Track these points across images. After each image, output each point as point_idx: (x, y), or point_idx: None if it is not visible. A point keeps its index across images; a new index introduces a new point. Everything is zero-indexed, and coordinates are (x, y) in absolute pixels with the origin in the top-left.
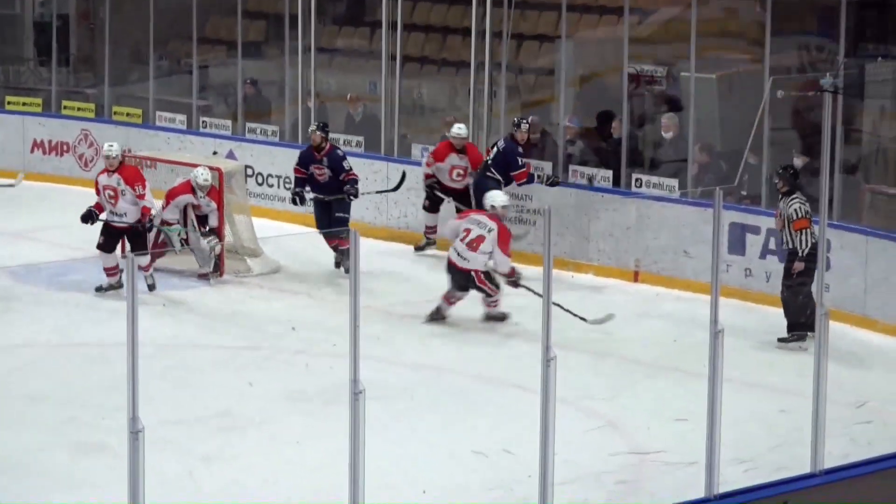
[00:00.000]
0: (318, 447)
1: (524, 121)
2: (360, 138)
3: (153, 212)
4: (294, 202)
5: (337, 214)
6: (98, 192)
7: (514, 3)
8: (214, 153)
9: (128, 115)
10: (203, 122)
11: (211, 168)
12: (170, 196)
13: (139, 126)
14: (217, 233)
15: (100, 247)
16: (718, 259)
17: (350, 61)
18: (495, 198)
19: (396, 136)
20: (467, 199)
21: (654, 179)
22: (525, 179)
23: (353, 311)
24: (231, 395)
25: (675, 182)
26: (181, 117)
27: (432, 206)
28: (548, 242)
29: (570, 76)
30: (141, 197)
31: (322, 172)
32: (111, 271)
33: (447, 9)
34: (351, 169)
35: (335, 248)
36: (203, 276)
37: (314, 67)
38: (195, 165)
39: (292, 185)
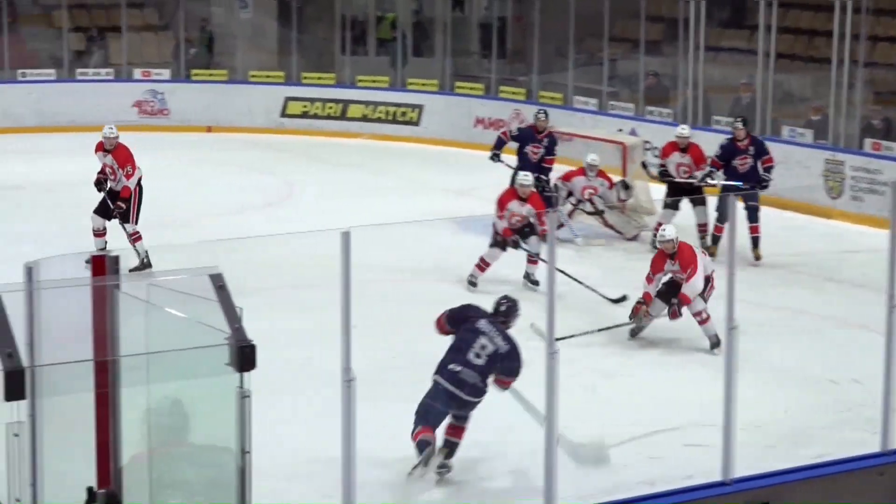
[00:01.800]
0: (694, 371)
1: (540, 111)
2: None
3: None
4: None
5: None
6: None
7: (870, 10)
8: (619, 130)
9: (551, 98)
10: (611, 105)
11: (615, 142)
12: (566, 177)
13: (559, 107)
14: (630, 185)
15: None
16: None
17: (731, 57)
18: None
19: (769, 119)
20: (699, 195)
21: None
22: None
23: (730, 259)
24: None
25: None
26: (593, 101)
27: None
28: None
29: None
30: None
31: (745, 162)
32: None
33: (814, 14)
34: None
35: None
36: (630, 240)
37: (702, 62)
38: (605, 140)
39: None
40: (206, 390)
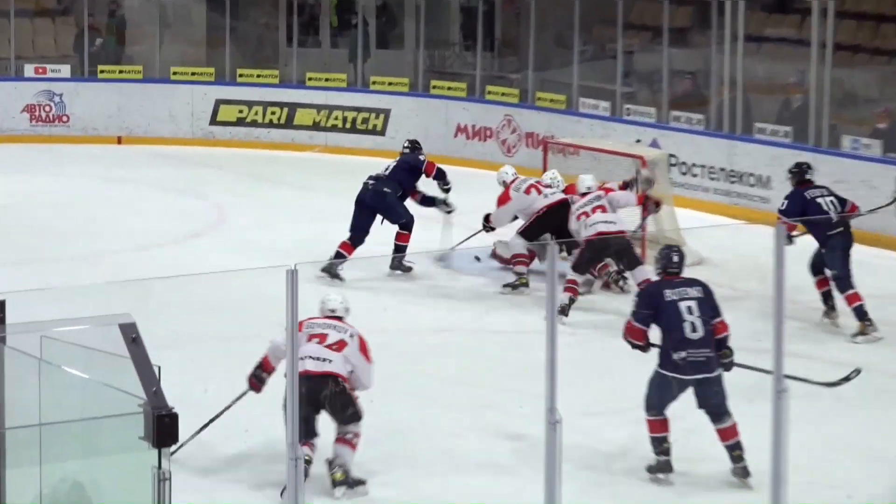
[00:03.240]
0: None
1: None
2: (789, 129)
3: None
4: None
5: None
6: None
7: None
8: (637, 141)
9: (551, 100)
10: (626, 109)
11: (633, 156)
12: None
13: (562, 112)
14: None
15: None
16: None
17: (778, 49)
18: None
19: (826, 126)
20: None
21: None
22: None
23: (778, 308)
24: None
25: None
26: (605, 104)
27: None
28: None
29: None
30: None
31: None
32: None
33: None
34: None
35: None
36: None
37: (741, 55)
38: (618, 153)
39: None
40: (114, 470)
